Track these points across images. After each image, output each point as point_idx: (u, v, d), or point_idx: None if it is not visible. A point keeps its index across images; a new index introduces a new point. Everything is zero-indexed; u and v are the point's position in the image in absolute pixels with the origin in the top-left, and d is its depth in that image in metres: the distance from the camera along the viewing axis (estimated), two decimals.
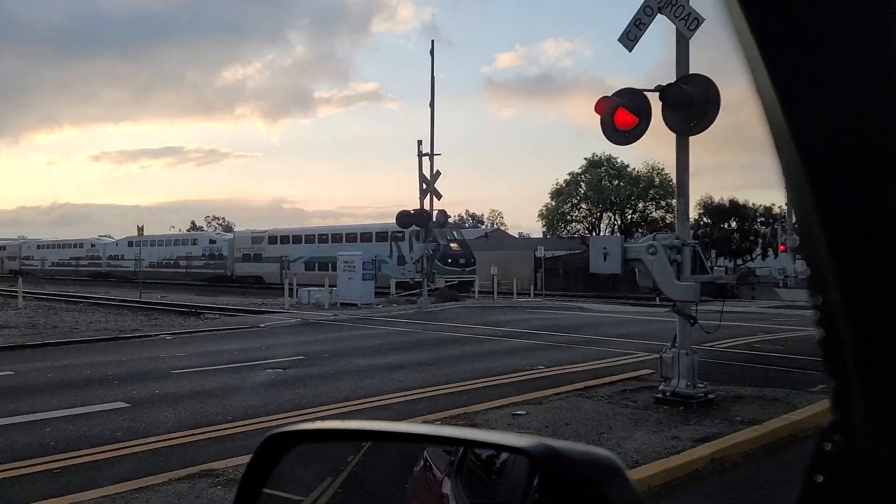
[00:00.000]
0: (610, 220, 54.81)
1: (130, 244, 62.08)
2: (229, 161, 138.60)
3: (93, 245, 66.30)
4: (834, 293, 0.57)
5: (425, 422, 7.67)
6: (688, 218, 9.00)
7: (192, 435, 7.45)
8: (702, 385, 8.43)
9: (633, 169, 54.18)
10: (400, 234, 43.20)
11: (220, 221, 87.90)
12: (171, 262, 58.49)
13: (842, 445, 0.62)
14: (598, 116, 8.90)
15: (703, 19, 8.47)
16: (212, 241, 57.55)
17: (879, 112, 0.49)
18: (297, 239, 51.49)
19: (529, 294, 33.27)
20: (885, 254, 0.54)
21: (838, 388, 0.62)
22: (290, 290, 28.39)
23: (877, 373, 0.58)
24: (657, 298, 17.43)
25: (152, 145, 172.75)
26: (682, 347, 8.39)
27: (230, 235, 57.58)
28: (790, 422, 7.28)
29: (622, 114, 8.75)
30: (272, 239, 52.27)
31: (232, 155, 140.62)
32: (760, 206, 63.36)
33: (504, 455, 1.15)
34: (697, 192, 44.39)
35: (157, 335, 17.26)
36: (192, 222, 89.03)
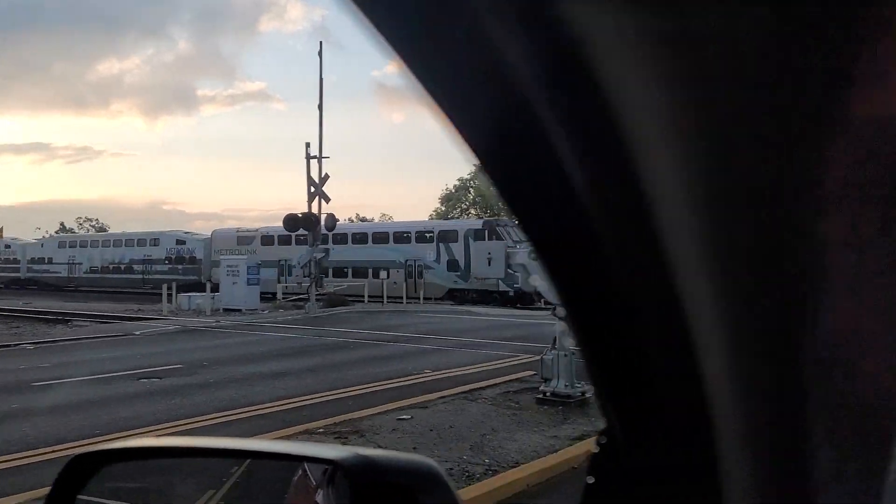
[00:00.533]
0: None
1: (62, 245, 52.49)
2: (104, 159, 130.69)
3: (7, 246, 54.52)
4: (562, 305, 0.60)
5: (307, 430, 7.53)
6: None
7: (54, 452, 6.94)
8: (580, 385, 8.75)
9: None
10: (451, 235, 37.06)
11: (94, 223, 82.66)
12: (123, 266, 48.99)
13: (606, 448, 0.65)
14: None
15: None
16: (179, 242, 47.30)
17: (532, 133, 0.49)
18: (302, 239, 44.06)
19: (419, 298, 33.42)
20: (583, 269, 0.55)
21: (596, 392, 0.64)
22: (170, 295, 27.15)
23: (609, 379, 0.61)
24: (542, 302, 17.99)
25: (15, 140, 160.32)
26: (562, 349, 8.69)
27: (205, 234, 48.28)
28: None
29: None
30: (267, 239, 43.25)
31: (107, 153, 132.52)
32: None
33: None
34: None
35: (16, 345, 16.01)
36: (62, 224, 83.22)
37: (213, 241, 45.79)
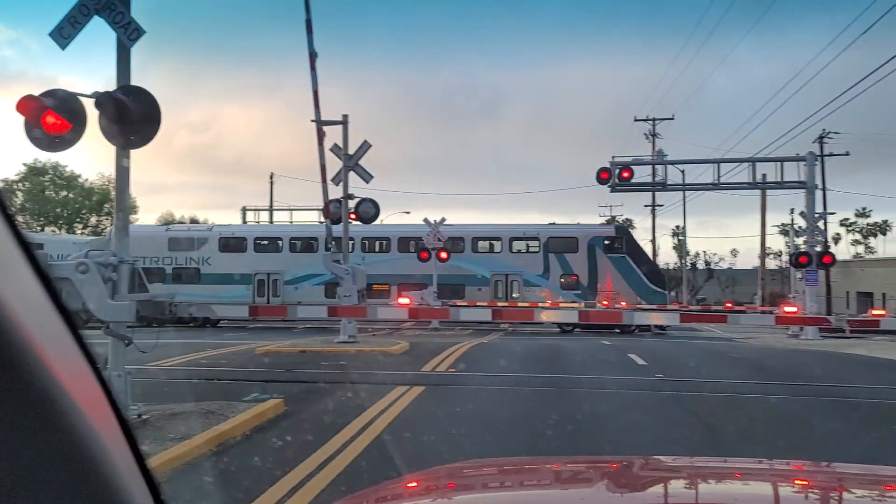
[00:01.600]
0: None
1: None
2: None
3: None
4: None
5: None
6: (127, 234, 8.69)
7: None
8: (136, 407, 8.19)
9: (87, 180, 50.27)
10: (568, 243, 28.95)
11: None
12: None
13: None
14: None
15: (145, 31, 8.34)
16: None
17: None
18: (301, 242, 31.33)
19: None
20: None
21: None
22: None
23: None
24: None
25: None
26: (115, 369, 8.01)
27: (80, 238, 33.40)
28: (220, 432, 7.61)
29: (51, 117, 7.93)
30: (231, 241, 31.34)
31: None
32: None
33: None
34: (160, 209, 43.44)
35: None
36: None
37: (118, 241, 31.24)
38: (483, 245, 30.60)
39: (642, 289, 28.71)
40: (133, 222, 43.94)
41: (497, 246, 30.44)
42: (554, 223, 32.43)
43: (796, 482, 2.10)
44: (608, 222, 43.28)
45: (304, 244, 31.55)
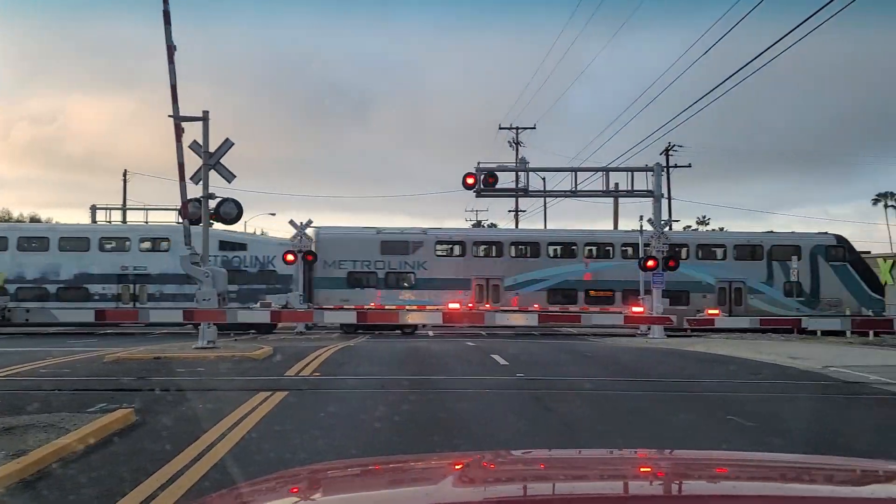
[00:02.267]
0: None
1: None
2: None
3: None
4: None
5: None
6: None
7: None
8: None
9: None
10: (790, 251, 29.13)
11: None
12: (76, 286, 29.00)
13: None
14: None
15: None
16: (232, 246, 30.34)
17: None
18: (524, 247, 31.97)
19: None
20: None
21: None
22: None
23: None
24: None
25: None
26: None
27: (284, 239, 32.51)
28: (60, 446, 7.02)
29: None
30: (448, 245, 31.59)
31: None
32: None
33: None
34: None
35: None
36: None
37: (320, 245, 29.93)
38: (707, 252, 31.32)
39: (862, 295, 30.21)
40: None
41: (721, 253, 31.29)
42: (772, 231, 34.47)
43: (643, 469, 2.23)
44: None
45: (526, 249, 32.27)
